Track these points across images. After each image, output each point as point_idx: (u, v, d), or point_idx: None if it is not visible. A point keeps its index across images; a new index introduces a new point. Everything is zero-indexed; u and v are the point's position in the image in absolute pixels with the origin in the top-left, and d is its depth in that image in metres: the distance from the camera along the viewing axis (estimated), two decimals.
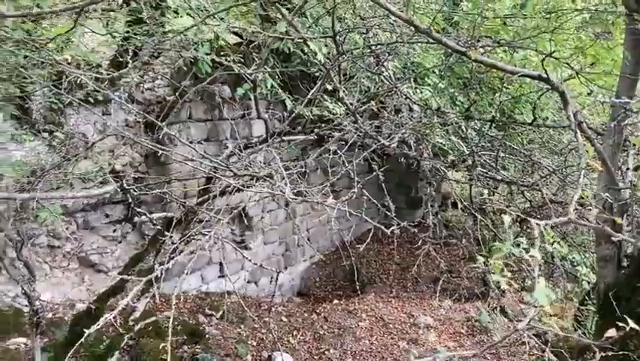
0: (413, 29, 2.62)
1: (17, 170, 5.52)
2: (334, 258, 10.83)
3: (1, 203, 4.48)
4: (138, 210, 3.49)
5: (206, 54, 4.27)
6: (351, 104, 2.82)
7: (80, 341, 2.63)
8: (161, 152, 7.65)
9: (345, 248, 11.08)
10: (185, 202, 3.71)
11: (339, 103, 2.84)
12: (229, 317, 7.49)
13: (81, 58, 4.40)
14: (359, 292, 10.00)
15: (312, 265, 11.01)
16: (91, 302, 4.22)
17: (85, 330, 4.44)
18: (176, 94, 5.84)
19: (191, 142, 8.31)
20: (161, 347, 6.25)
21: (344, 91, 2.65)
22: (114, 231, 7.69)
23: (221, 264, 8.96)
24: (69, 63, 3.54)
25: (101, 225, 7.80)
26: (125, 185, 3.03)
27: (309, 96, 3.27)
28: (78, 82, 5.24)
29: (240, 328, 7.35)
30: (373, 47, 3.35)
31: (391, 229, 3.09)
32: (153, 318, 4.81)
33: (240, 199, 9.29)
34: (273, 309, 8.11)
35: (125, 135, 5.22)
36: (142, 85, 7.38)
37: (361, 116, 3.02)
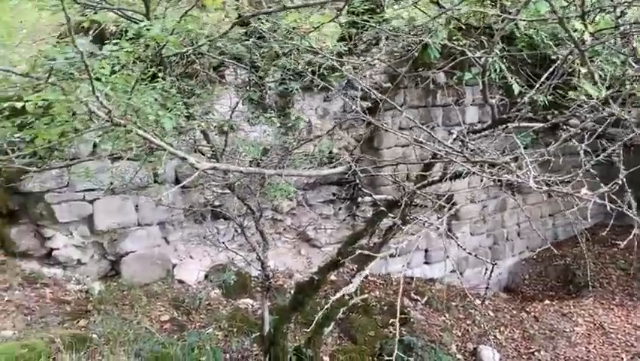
0: None
1: (252, 150, 6.19)
2: (546, 256, 10.13)
3: (241, 177, 5.05)
4: (365, 190, 3.66)
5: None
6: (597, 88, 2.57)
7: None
8: (374, 137, 7.82)
9: (560, 246, 10.31)
10: (406, 185, 3.78)
11: (581, 88, 2.61)
12: (434, 304, 7.49)
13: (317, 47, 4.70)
14: (574, 294, 9.24)
15: (521, 260, 10.43)
16: (312, 274, 4.57)
17: (306, 298, 4.84)
18: (395, 81, 5.94)
19: (403, 128, 8.44)
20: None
21: (597, 74, 2.43)
22: (339, 210, 8.09)
23: (426, 250, 8.98)
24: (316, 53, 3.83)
25: (317, 203, 8.37)
26: (353, 167, 3.21)
27: (549, 82, 3.08)
28: (304, 70, 5.67)
29: (445, 316, 7.30)
30: (623, 26, 3.01)
31: (634, 231, 2.77)
32: (365, 295, 5.02)
33: (449, 187, 9.22)
34: (478, 302, 7.89)
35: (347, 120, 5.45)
36: (361, 72, 7.68)
37: (606, 103, 2.75)
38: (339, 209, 8.49)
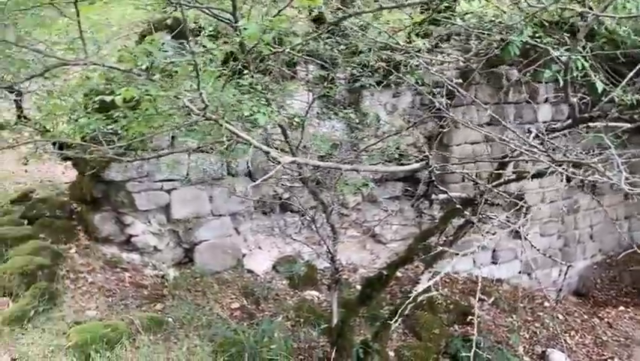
0: None
1: (322, 145, 6.29)
2: (621, 260, 9.70)
3: (314, 171, 5.15)
4: (440, 188, 3.66)
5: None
6: None
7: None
8: (444, 134, 7.73)
9: (635, 251, 9.85)
10: (482, 184, 3.75)
11: None
12: (501, 305, 7.36)
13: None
14: None
15: (593, 264, 10.05)
16: (380, 269, 4.60)
17: (374, 292, 4.88)
18: (468, 78, 5.87)
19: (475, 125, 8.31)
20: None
21: None
22: (411, 206, 8.07)
23: (494, 250, 8.82)
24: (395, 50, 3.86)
25: (383, 199, 8.38)
26: (432, 163, 3.22)
27: (636, 79, 2.98)
28: (380, 66, 5.71)
29: (512, 317, 7.16)
30: None
31: None
32: (434, 292, 5.01)
33: (519, 187, 9.01)
34: (547, 304, 7.69)
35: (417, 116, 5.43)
36: (431, 67, 7.61)
37: None
38: (412, 205, 8.45)
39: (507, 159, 3.53)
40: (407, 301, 4.86)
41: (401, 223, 8.45)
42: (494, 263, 8.86)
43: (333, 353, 4.81)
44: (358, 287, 7.26)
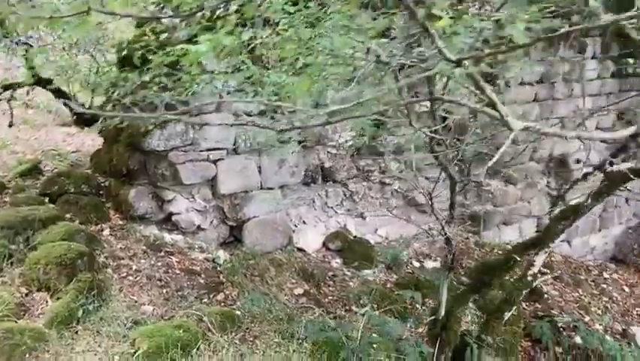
0: None
1: None
2: None
3: None
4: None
5: None
6: None
7: None
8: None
9: None
10: None
11: None
12: (565, 278, 6.86)
13: None
14: None
15: (627, 229, 9.70)
16: (506, 252, 3.96)
17: (494, 279, 4.23)
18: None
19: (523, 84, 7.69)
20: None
21: None
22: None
23: (538, 217, 8.32)
24: None
25: (424, 166, 7.69)
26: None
27: None
28: None
29: (578, 292, 6.67)
30: None
31: None
32: (548, 276, 4.40)
33: (562, 151, 8.47)
34: (607, 275, 7.25)
35: None
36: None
37: None
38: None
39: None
40: (522, 285, 4.27)
41: (445, 192, 7.81)
42: (538, 232, 8.38)
43: (436, 348, 4.17)
44: (416, 264, 6.68)
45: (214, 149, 5.38)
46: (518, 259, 3.82)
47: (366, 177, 7.21)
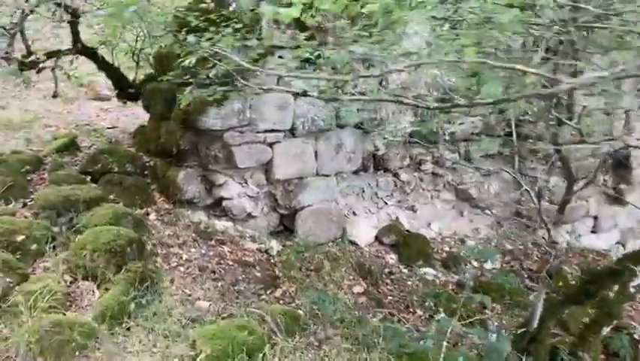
0: None
1: None
2: None
3: None
4: None
5: None
6: None
7: None
8: None
9: None
10: None
11: None
12: None
13: None
14: None
15: None
16: (615, 261, 3.51)
17: (600, 290, 3.76)
18: None
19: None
20: None
21: None
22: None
23: (595, 217, 7.82)
24: None
25: (478, 157, 7.21)
26: None
27: None
28: None
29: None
30: None
31: None
32: None
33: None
34: None
35: None
36: None
37: None
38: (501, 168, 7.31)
39: None
40: (624, 298, 3.81)
41: (499, 185, 7.33)
42: (593, 232, 7.89)
43: None
44: (475, 264, 6.22)
45: (271, 130, 4.94)
46: (636, 269, 3.35)
47: (417, 167, 6.75)
